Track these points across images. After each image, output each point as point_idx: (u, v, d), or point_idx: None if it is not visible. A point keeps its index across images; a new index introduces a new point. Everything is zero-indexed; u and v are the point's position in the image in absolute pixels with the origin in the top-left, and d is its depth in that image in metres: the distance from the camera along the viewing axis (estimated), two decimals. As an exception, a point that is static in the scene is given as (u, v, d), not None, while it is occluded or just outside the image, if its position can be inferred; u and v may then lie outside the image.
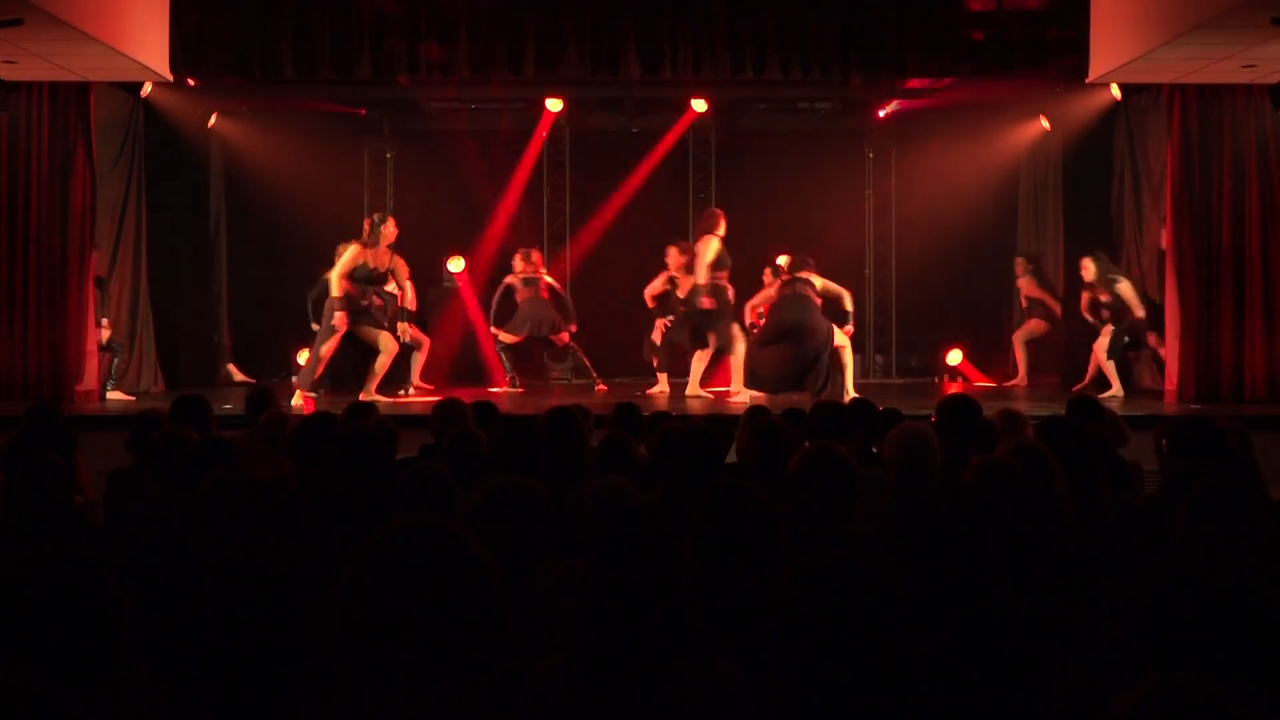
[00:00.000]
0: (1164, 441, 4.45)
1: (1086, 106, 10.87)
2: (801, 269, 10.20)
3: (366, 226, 9.72)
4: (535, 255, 11.49)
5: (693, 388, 10.18)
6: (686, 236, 12.09)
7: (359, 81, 10.33)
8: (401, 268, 10.10)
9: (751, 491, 3.05)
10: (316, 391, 9.64)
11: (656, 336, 10.90)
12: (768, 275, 10.89)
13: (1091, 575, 3.18)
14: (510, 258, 11.53)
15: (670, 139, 12.75)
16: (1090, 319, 10.67)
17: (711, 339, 10.24)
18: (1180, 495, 2.95)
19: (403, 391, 10.31)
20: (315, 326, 10.25)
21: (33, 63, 9.13)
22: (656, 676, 2.22)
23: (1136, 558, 3.29)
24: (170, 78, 9.72)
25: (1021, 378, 11.81)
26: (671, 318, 10.76)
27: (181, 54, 9.59)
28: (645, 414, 6.03)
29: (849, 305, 10.21)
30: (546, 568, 2.96)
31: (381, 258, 9.62)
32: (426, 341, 10.94)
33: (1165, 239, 10.25)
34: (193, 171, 11.81)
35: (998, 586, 2.67)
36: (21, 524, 3.67)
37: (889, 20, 9.65)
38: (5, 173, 10.02)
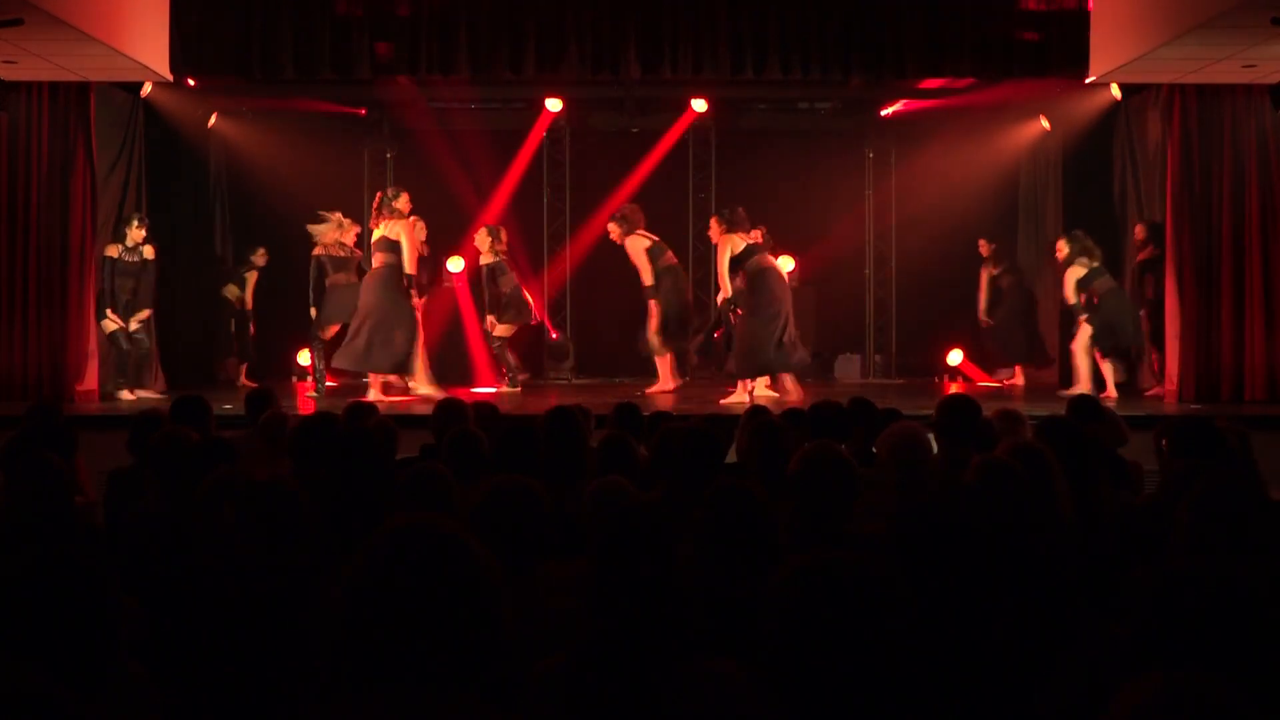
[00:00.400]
0: (1164, 442, 4.45)
1: (1086, 106, 10.87)
2: (742, 229, 10.17)
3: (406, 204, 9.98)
4: (505, 235, 11.23)
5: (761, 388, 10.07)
6: (687, 236, 12.12)
7: (359, 81, 10.33)
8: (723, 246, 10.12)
9: (751, 491, 3.05)
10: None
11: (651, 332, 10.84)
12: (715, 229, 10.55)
13: (1091, 575, 3.18)
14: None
15: (670, 139, 12.75)
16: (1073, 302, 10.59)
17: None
18: (1180, 495, 2.95)
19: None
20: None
21: (33, 63, 9.13)
22: (657, 677, 2.22)
23: (1136, 558, 3.29)
24: (170, 78, 9.73)
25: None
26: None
27: (181, 54, 9.59)
28: (645, 414, 6.04)
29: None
30: (546, 568, 2.96)
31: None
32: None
33: (1166, 239, 10.24)
34: (193, 171, 11.81)
35: (998, 586, 2.67)
36: (21, 524, 3.67)
37: (889, 20, 9.65)
38: (5, 173, 10.03)
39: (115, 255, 10.12)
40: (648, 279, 10.38)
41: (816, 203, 12.86)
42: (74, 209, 9.99)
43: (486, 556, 1.76)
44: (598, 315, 12.62)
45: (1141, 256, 10.57)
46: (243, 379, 11.63)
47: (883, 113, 12.29)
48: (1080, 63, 9.67)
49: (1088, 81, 9.89)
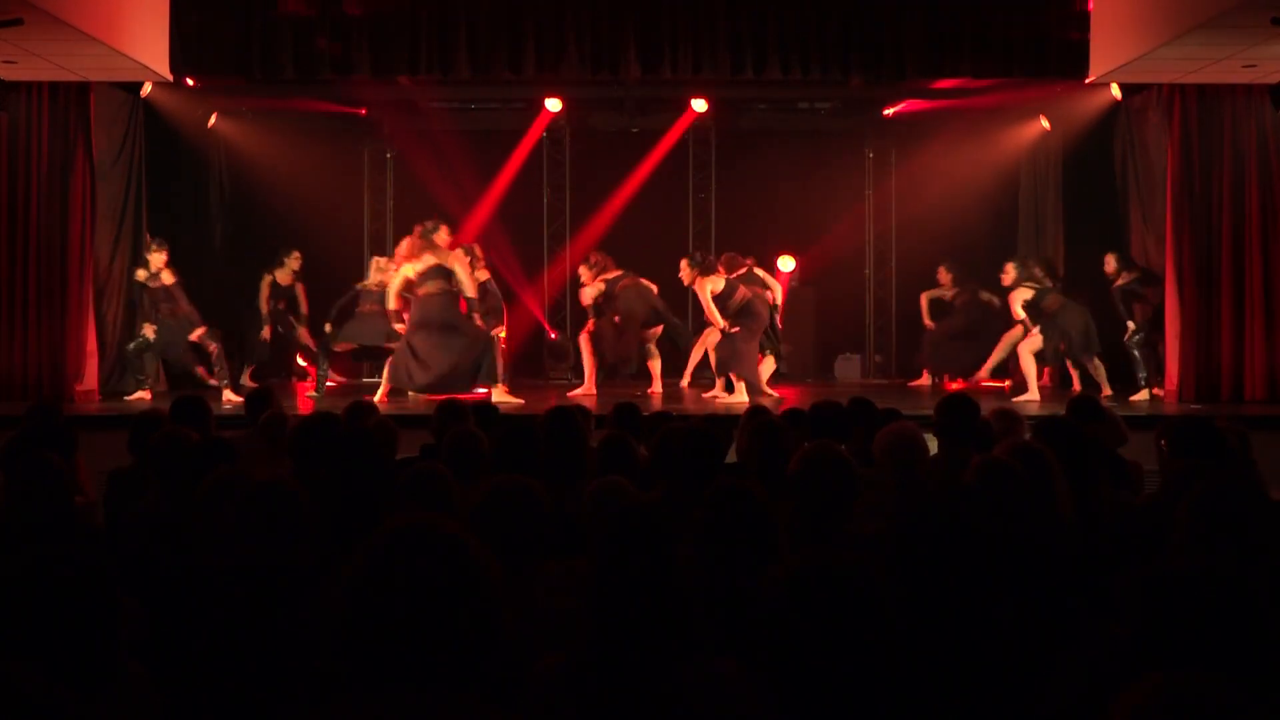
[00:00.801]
0: (1163, 442, 4.45)
1: (1086, 106, 10.87)
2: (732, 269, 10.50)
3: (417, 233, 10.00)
4: (480, 250, 11.25)
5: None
6: (687, 237, 12.12)
7: (359, 81, 10.33)
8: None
9: (751, 491, 3.05)
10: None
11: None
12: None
13: (1091, 575, 3.18)
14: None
15: (670, 139, 12.75)
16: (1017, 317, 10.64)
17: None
18: (1180, 495, 2.95)
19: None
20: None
21: (33, 63, 9.13)
22: (657, 676, 2.22)
23: (1136, 558, 3.29)
24: (170, 78, 9.72)
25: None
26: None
27: (181, 54, 9.59)
28: (645, 414, 6.04)
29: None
30: (546, 568, 2.96)
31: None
32: None
33: (1166, 239, 10.24)
34: (193, 171, 11.81)
35: (997, 586, 2.67)
36: (21, 524, 3.67)
37: (889, 20, 9.65)
38: (5, 173, 10.03)
39: (143, 280, 10.18)
40: (718, 323, 10.36)
41: (816, 203, 12.86)
42: (74, 209, 9.99)
43: (486, 556, 1.76)
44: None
45: (1119, 284, 10.57)
46: (246, 379, 11.62)
47: (885, 112, 12.29)
48: (1080, 63, 9.67)
49: (1088, 81, 9.89)
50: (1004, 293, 11.01)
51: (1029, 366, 10.29)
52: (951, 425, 4.71)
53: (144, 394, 9.94)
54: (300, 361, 12.07)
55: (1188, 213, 10.14)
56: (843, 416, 5.35)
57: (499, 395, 9.67)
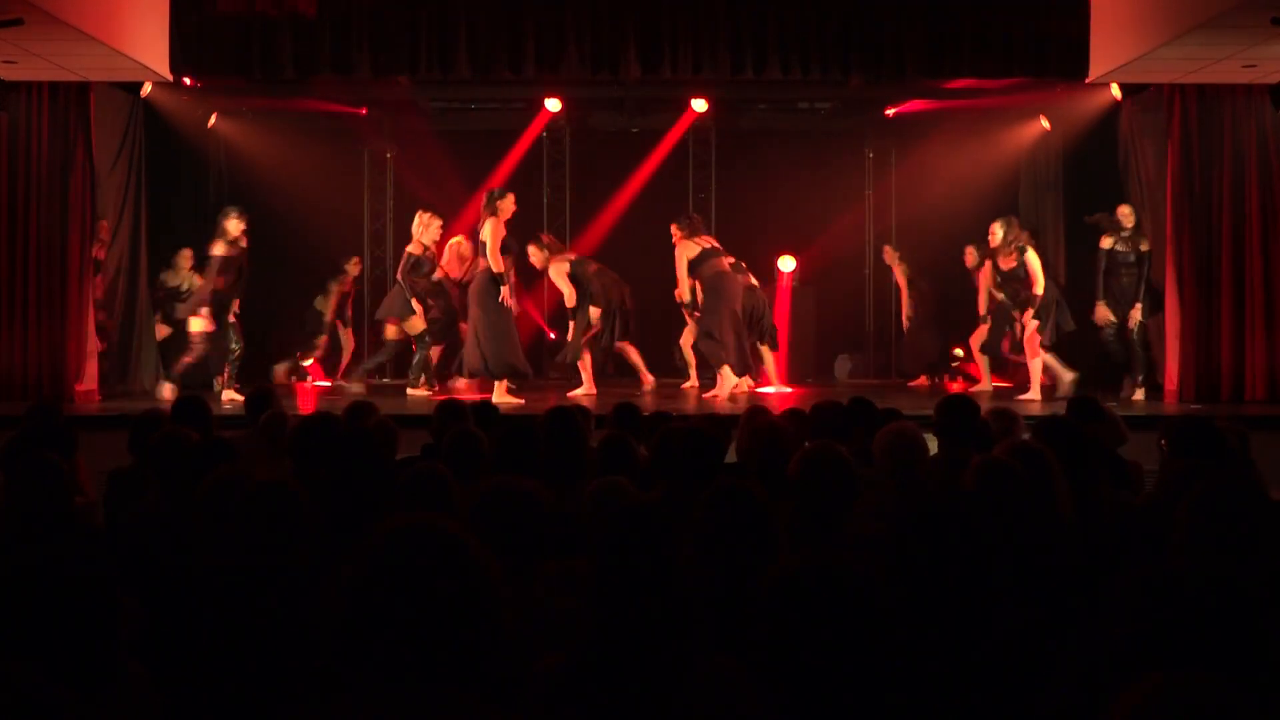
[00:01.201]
0: (1163, 442, 4.45)
1: (1086, 106, 10.87)
2: (698, 234, 10.52)
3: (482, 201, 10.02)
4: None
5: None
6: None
7: (359, 81, 10.33)
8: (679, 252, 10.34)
9: (751, 491, 3.05)
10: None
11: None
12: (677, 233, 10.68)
13: (1091, 575, 3.18)
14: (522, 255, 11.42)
15: (671, 139, 12.75)
16: (997, 296, 10.58)
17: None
18: (1178, 495, 2.95)
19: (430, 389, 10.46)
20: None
21: (33, 63, 9.14)
22: (657, 676, 2.22)
23: (1136, 558, 3.29)
24: (170, 78, 9.73)
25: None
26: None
27: (181, 54, 9.59)
28: (645, 414, 6.04)
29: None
30: (546, 568, 2.96)
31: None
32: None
33: (1166, 239, 10.24)
34: (193, 171, 11.81)
35: (997, 586, 2.67)
36: (21, 524, 3.67)
37: (889, 20, 9.65)
38: (5, 173, 10.03)
39: (224, 253, 10.06)
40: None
41: (816, 203, 12.87)
42: (74, 209, 9.98)
43: (486, 556, 1.76)
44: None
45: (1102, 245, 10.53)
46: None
47: (887, 112, 12.29)
48: (1080, 63, 9.67)
49: (1088, 81, 9.89)
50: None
51: (983, 361, 10.33)
52: (951, 425, 4.71)
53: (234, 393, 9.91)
54: (303, 362, 12.07)
55: (1188, 213, 10.14)
56: (843, 416, 5.35)
57: (499, 395, 9.68)
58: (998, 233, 10.50)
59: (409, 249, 10.63)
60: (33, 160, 10.01)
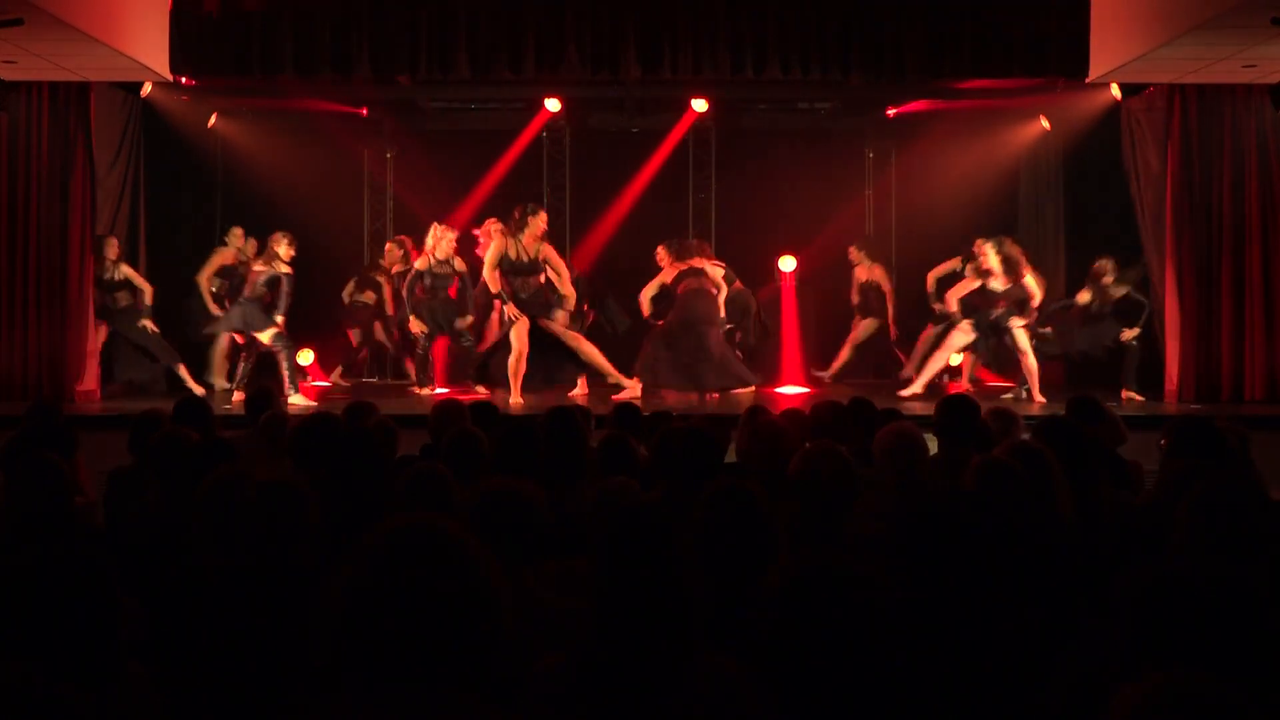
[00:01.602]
0: (1163, 442, 4.45)
1: (1086, 106, 10.86)
2: (689, 257, 10.46)
3: (515, 215, 9.91)
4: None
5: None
6: (686, 237, 12.09)
7: (359, 81, 10.33)
8: (554, 257, 10.19)
9: (751, 491, 3.05)
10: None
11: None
12: (662, 257, 10.75)
13: (1091, 575, 3.18)
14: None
15: (672, 140, 12.75)
16: (952, 309, 10.58)
17: None
18: (1177, 495, 2.95)
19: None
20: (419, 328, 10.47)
21: (33, 63, 9.14)
22: (658, 677, 2.22)
23: (1136, 558, 3.29)
24: (170, 78, 9.73)
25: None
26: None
27: (181, 54, 9.59)
28: (645, 414, 6.04)
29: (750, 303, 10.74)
30: (547, 568, 2.96)
31: (527, 247, 9.79)
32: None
33: (1166, 239, 10.24)
34: (193, 171, 11.80)
35: (998, 586, 2.67)
36: (21, 524, 3.67)
37: (889, 20, 9.65)
38: (5, 173, 10.03)
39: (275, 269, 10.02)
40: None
41: (816, 203, 12.85)
42: (74, 209, 9.99)
43: (486, 556, 1.76)
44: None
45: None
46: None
47: (889, 112, 12.29)
48: (1080, 63, 9.67)
49: (1088, 81, 9.89)
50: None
51: (939, 360, 10.37)
52: (951, 425, 4.72)
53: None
54: (302, 362, 12.06)
55: (1188, 212, 10.14)
56: (843, 416, 5.35)
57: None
58: (990, 254, 10.40)
59: (416, 264, 10.64)
60: (33, 160, 10.02)
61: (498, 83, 10.39)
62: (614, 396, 9.71)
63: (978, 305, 10.42)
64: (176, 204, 11.49)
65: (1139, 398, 10.08)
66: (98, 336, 10.21)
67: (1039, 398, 10.10)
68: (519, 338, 9.76)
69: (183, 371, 10.27)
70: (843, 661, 2.04)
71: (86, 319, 10.03)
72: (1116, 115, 10.64)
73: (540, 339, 9.89)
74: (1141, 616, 1.97)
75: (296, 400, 9.56)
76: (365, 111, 12.21)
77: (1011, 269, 10.23)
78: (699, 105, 11.93)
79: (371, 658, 1.67)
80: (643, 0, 9.66)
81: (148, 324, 10.33)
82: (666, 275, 10.36)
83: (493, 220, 10.60)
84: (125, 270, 10.32)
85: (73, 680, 2.10)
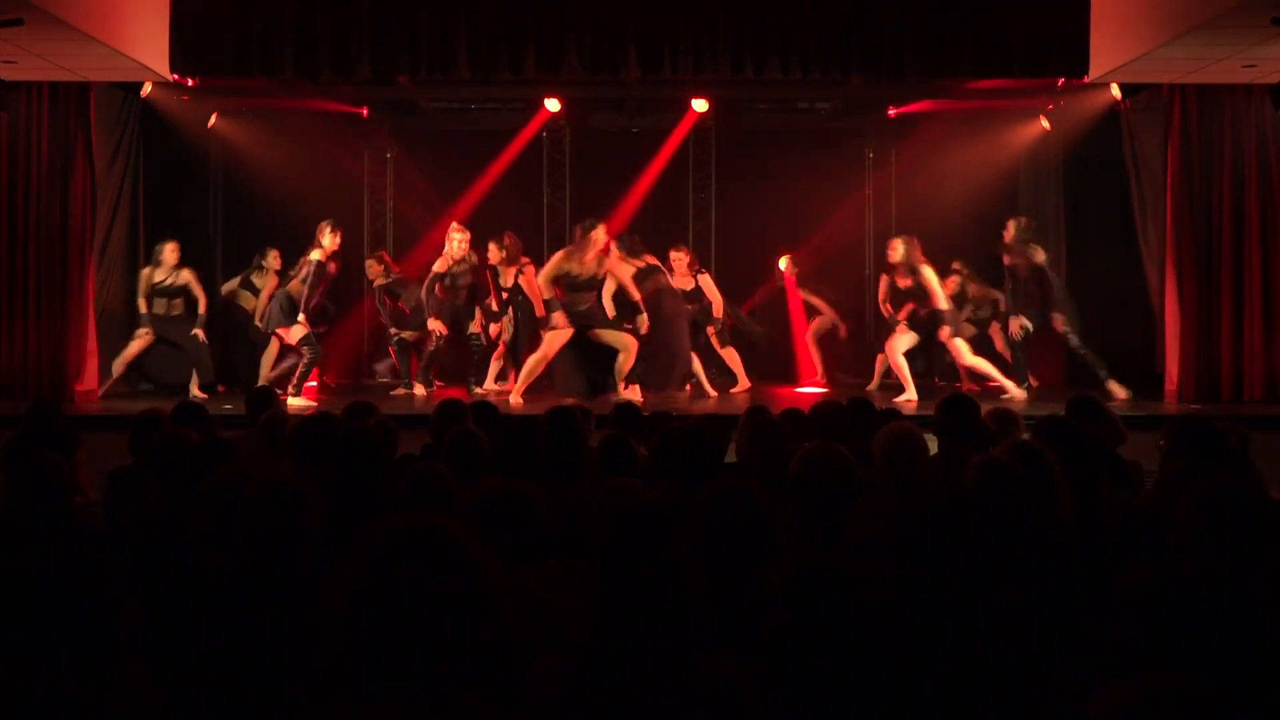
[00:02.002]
0: (1162, 442, 4.45)
1: (1086, 106, 10.86)
2: (639, 255, 10.51)
3: (576, 233, 10.12)
4: (387, 258, 11.67)
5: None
6: (686, 236, 12.11)
7: (359, 81, 10.33)
8: (618, 271, 10.32)
9: (751, 492, 3.05)
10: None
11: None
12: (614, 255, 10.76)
13: (1091, 575, 3.18)
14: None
15: (674, 140, 12.75)
16: (886, 310, 10.66)
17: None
18: (1175, 495, 2.95)
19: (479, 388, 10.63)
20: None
21: (33, 63, 9.14)
22: (658, 677, 2.22)
23: (1136, 558, 3.29)
24: (170, 77, 9.73)
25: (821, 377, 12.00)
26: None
27: (181, 54, 9.59)
28: (645, 414, 6.04)
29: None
30: (547, 568, 2.96)
31: (588, 264, 9.93)
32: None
33: (1166, 239, 10.25)
34: (192, 171, 11.80)
35: (997, 586, 2.67)
36: (21, 524, 3.67)
37: (889, 20, 9.65)
38: (5, 173, 10.04)
39: (323, 259, 10.08)
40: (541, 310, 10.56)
41: (816, 203, 12.85)
42: (74, 209, 9.99)
43: (486, 556, 1.76)
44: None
45: (1038, 262, 10.59)
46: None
47: (890, 112, 12.29)
48: (1080, 63, 9.67)
49: (1088, 81, 9.89)
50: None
51: (898, 364, 10.24)
52: (951, 425, 4.72)
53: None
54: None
55: (1188, 212, 10.14)
56: (843, 416, 5.35)
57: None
58: (898, 249, 10.44)
59: (436, 267, 10.67)
60: (33, 160, 10.02)
61: (498, 83, 10.39)
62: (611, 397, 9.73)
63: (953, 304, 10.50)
64: (176, 204, 11.47)
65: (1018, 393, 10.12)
66: (140, 342, 10.29)
67: (1014, 391, 10.14)
68: (552, 344, 9.84)
69: (194, 389, 10.28)
70: (843, 661, 2.04)
71: (87, 319, 10.04)
72: (1116, 115, 10.64)
73: (590, 351, 9.99)
74: (1141, 616, 1.97)
75: (296, 401, 9.56)
76: (365, 111, 12.21)
77: (911, 267, 10.37)
78: (699, 105, 11.93)
79: (371, 658, 1.67)
80: (643, 0, 9.66)
81: (199, 333, 10.34)
82: (623, 274, 10.26)
83: (457, 226, 10.74)
84: (186, 276, 10.36)
85: (73, 680, 2.10)
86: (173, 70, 9.64)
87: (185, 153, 11.45)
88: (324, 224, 10.19)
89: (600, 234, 9.98)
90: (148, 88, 10.28)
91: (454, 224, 10.79)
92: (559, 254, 10.09)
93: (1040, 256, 10.51)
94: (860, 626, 2.05)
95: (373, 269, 11.49)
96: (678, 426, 4.40)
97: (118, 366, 10.29)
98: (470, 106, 12.62)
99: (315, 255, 10.05)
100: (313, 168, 12.11)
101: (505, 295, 10.78)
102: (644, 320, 10.13)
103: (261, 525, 3.02)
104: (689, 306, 10.69)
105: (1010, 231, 10.60)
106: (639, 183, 12.82)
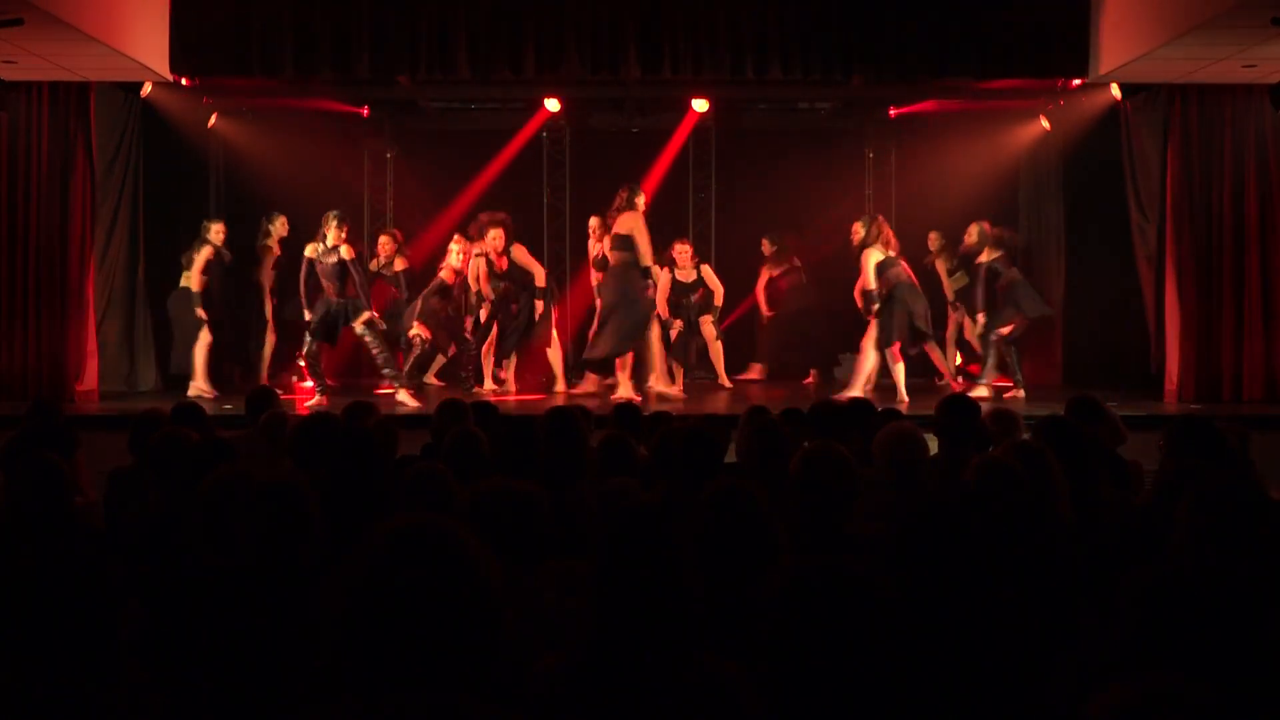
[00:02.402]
0: (1161, 442, 4.45)
1: (1086, 106, 10.87)
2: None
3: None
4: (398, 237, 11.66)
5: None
6: (687, 236, 12.11)
7: (359, 81, 10.33)
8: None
9: (751, 492, 3.05)
10: None
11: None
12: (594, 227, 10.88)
13: (1091, 575, 3.18)
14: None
15: (676, 141, 12.75)
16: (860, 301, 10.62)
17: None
18: (1173, 495, 2.95)
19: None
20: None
21: (33, 63, 9.14)
22: (658, 677, 2.22)
23: (1136, 558, 3.29)
24: (170, 77, 9.73)
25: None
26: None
27: (181, 54, 9.59)
28: (645, 414, 6.04)
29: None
30: (546, 568, 2.96)
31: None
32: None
33: (1166, 239, 10.25)
34: (193, 171, 11.80)
35: (998, 587, 2.67)
36: (21, 524, 3.67)
37: (889, 20, 9.65)
38: (5, 173, 10.04)
39: (314, 256, 9.82)
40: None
41: (816, 203, 12.85)
42: (74, 209, 10.00)
43: (487, 556, 1.76)
44: (595, 315, 12.60)
45: (981, 260, 10.59)
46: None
47: (892, 113, 12.29)
48: (1081, 63, 9.67)
49: (1088, 81, 9.88)
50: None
51: (869, 361, 10.07)
52: (951, 425, 4.72)
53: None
54: (301, 362, 12.05)
55: (1188, 213, 10.15)
56: (843, 416, 5.35)
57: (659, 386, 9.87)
58: (859, 230, 10.35)
59: (442, 275, 10.68)
60: (33, 160, 10.03)
61: (497, 83, 10.39)
62: (613, 396, 9.72)
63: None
64: (176, 204, 11.47)
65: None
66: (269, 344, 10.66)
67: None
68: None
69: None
70: (843, 662, 2.04)
71: (86, 319, 10.04)
72: (1116, 115, 10.64)
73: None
74: (1141, 616, 1.97)
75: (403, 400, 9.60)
76: (365, 111, 12.21)
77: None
78: (699, 105, 11.93)
79: (371, 658, 1.67)
80: (642, 0, 9.65)
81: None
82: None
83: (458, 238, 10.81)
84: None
85: (73, 680, 2.10)
86: (173, 70, 9.64)
87: (185, 153, 11.45)
88: (328, 215, 10.07)
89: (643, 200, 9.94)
90: (148, 88, 10.28)
91: (456, 236, 10.83)
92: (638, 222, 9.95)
93: (989, 256, 10.51)
94: (860, 627, 2.05)
95: (386, 246, 11.40)
96: (678, 426, 4.41)
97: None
98: (470, 106, 12.63)
99: (344, 253, 9.91)
100: (313, 168, 12.11)
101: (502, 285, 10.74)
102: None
103: (261, 525, 3.02)
104: (693, 297, 10.73)
105: (972, 235, 10.61)
106: (639, 183, 12.80)
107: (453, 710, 1.66)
